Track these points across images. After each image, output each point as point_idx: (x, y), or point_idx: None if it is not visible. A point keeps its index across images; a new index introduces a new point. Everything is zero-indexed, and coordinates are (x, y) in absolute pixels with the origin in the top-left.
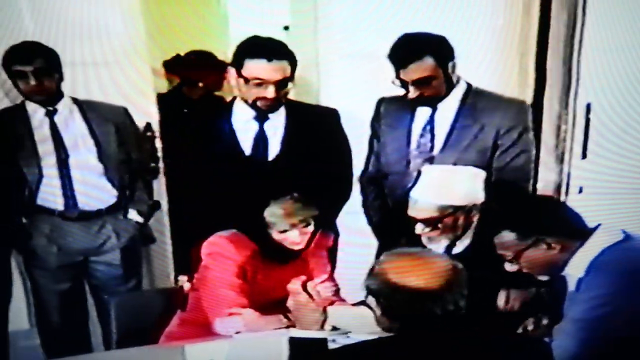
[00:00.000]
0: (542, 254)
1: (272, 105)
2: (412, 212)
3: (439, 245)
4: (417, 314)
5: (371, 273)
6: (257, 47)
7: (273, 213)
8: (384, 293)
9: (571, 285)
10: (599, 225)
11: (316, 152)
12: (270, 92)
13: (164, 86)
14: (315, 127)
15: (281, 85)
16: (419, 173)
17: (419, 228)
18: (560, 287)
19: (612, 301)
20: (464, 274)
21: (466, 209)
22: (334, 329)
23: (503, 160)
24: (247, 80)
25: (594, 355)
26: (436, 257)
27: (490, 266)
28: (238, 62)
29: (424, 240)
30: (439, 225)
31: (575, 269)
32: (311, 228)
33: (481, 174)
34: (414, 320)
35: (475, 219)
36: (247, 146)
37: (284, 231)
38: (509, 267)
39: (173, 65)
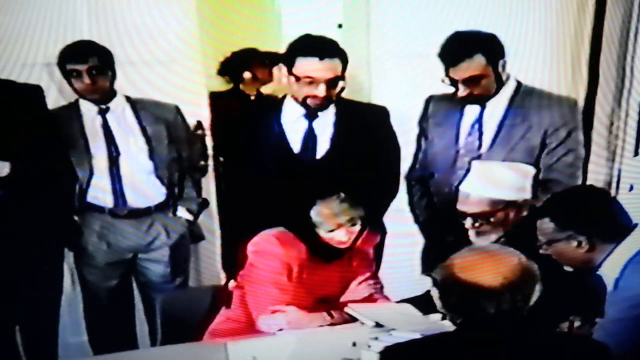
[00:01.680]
0: (571, 250)
1: (323, 104)
2: (462, 206)
3: (486, 240)
4: (477, 312)
5: (440, 265)
6: (308, 46)
7: (319, 213)
8: (448, 286)
9: (610, 286)
10: (637, 224)
11: (364, 150)
12: (321, 90)
13: (215, 85)
14: (365, 125)
15: (332, 83)
16: (469, 168)
17: (468, 222)
18: (600, 286)
19: None
20: (537, 274)
21: (517, 204)
22: (378, 325)
23: (550, 159)
24: (298, 79)
25: (632, 355)
26: (510, 254)
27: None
28: (290, 60)
29: (471, 235)
30: (491, 220)
31: (611, 269)
32: (358, 227)
33: (531, 170)
34: (474, 317)
35: (525, 214)
36: (296, 144)
37: (331, 231)
38: (541, 250)
39: (231, 64)
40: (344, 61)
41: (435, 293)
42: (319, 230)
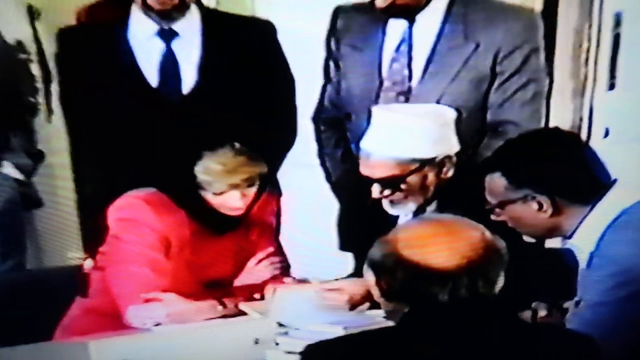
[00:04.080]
0: (531, 215)
1: (174, 9)
2: (365, 169)
3: (404, 211)
4: (426, 300)
5: (380, 241)
6: None
7: (208, 170)
8: (388, 267)
9: (582, 262)
10: (616, 180)
11: (246, 82)
12: None
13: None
14: (242, 46)
15: None
16: (369, 116)
17: (375, 190)
18: (570, 263)
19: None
20: (504, 254)
21: (436, 162)
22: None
23: (503, 94)
24: None
25: (622, 347)
26: (471, 228)
27: None
28: None
29: (385, 206)
30: (402, 187)
31: (583, 240)
32: (255, 188)
33: (450, 114)
34: (424, 306)
35: (450, 174)
36: (152, 74)
37: (221, 193)
38: (492, 215)
39: None
40: None
41: (370, 277)
42: (205, 193)
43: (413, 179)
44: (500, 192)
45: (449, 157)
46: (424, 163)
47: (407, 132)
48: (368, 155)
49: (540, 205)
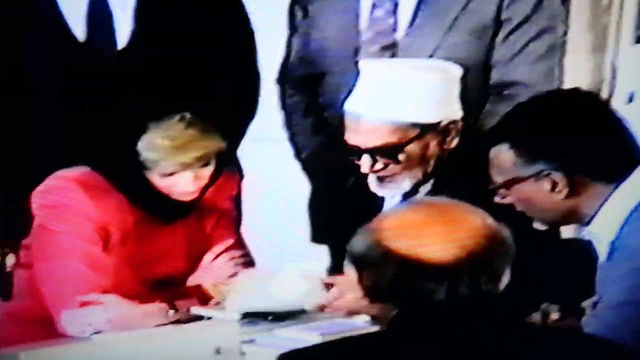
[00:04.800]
0: (543, 195)
1: None
2: (352, 137)
3: (396, 191)
4: (419, 300)
5: (363, 230)
6: None
7: (153, 145)
8: (373, 261)
9: (602, 254)
10: None
11: (195, 36)
12: None
13: None
14: None
15: None
16: (358, 71)
17: (365, 163)
18: (587, 255)
19: None
20: (510, 244)
21: (440, 128)
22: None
23: (511, 47)
24: None
25: None
26: (470, 213)
27: None
28: None
29: (371, 183)
30: (400, 158)
31: (603, 228)
32: (211, 168)
33: (456, 72)
34: (416, 307)
35: (454, 144)
36: (77, 25)
37: (170, 174)
38: (497, 197)
39: None
40: None
41: (351, 273)
42: (150, 174)
43: (412, 148)
44: (507, 168)
45: (454, 122)
46: (426, 129)
47: (407, 90)
48: (357, 119)
49: (554, 185)
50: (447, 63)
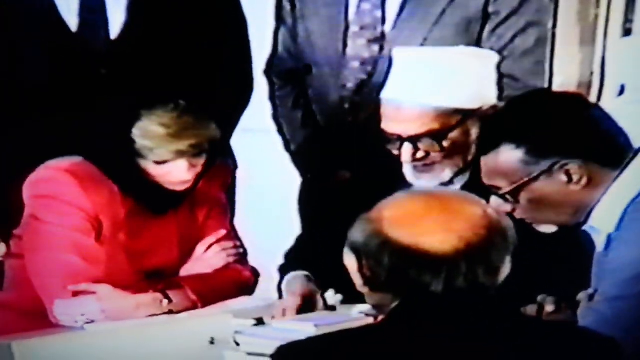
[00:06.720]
0: (559, 190)
1: None
2: (393, 125)
3: (435, 181)
4: (419, 289)
5: (362, 219)
6: None
7: (147, 133)
8: (372, 250)
9: (599, 245)
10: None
11: (189, 24)
12: None
13: None
14: None
15: None
16: (391, 60)
17: (406, 152)
18: (585, 247)
19: None
20: (511, 235)
21: (479, 113)
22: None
23: (499, 40)
24: None
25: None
26: (471, 203)
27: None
28: None
29: (407, 173)
30: (444, 144)
31: (603, 219)
32: (205, 157)
33: (493, 57)
34: (414, 298)
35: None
36: (71, 15)
37: (165, 162)
38: (496, 202)
39: None
40: None
41: (352, 263)
42: (145, 162)
43: (455, 135)
44: (515, 169)
45: (494, 107)
46: (467, 115)
47: (448, 76)
48: (397, 107)
49: (570, 177)
50: (482, 49)
